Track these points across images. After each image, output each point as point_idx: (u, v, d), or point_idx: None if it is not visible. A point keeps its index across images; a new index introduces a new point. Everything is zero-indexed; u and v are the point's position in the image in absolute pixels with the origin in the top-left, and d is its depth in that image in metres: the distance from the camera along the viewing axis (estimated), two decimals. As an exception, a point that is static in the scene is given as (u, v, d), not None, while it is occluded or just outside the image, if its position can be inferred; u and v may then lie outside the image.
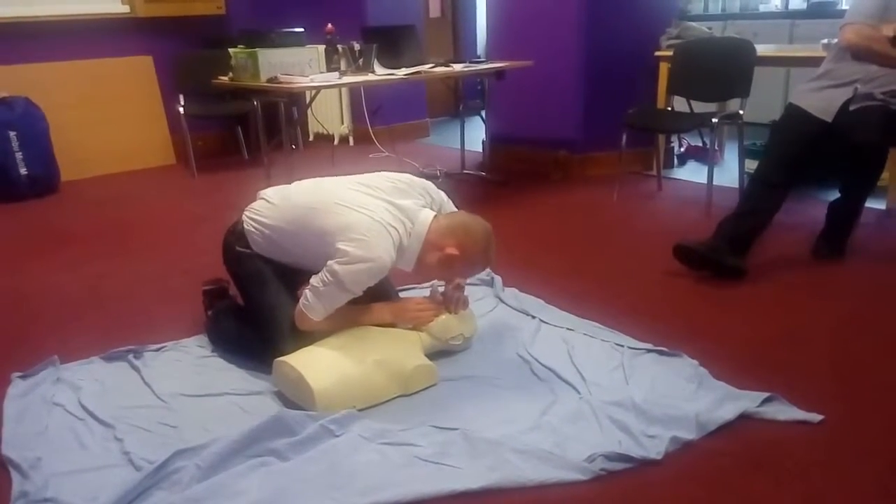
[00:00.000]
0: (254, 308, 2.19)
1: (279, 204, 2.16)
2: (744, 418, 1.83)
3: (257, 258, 2.18)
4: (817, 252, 3.06)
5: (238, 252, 2.20)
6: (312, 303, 1.99)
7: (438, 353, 2.18)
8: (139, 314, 2.63)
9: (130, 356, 2.22)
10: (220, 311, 2.40)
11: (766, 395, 1.89)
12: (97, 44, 4.97)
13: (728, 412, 1.83)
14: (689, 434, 1.76)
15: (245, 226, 2.19)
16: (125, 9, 5.05)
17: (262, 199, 2.22)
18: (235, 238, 2.22)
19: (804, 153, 2.83)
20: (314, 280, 1.99)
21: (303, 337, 2.04)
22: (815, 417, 1.83)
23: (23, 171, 4.34)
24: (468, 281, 2.79)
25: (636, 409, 1.85)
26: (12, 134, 4.30)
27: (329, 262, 1.95)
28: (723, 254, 2.78)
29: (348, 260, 1.92)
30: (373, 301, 2.14)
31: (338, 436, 1.77)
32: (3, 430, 1.84)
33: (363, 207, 1.99)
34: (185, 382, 2.10)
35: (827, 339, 2.31)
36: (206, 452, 1.66)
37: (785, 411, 1.85)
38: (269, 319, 2.12)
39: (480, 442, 1.72)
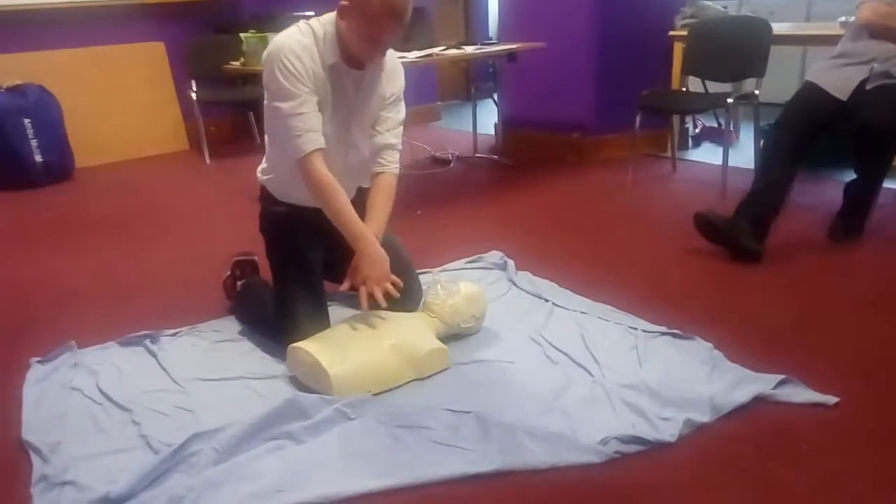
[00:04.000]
0: (274, 292, 2.22)
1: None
2: (758, 401, 1.82)
3: (290, 230, 2.15)
4: (834, 233, 3.03)
5: (269, 213, 2.21)
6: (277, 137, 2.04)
7: (451, 337, 2.18)
8: (154, 299, 2.65)
9: (146, 341, 2.25)
10: (250, 285, 2.44)
11: (780, 377, 1.88)
12: (110, 30, 4.98)
13: (743, 395, 1.82)
14: (703, 417, 1.75)
15: (260, 181, 2.22)
16: (137, -5, 5.06)
17: None
18: (264, 200, 2.24)
19: (816, 129, 2.80)
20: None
21: (314, 332, 2.04)
22: (831, 400, 1.82)
23: (38, 158, 4.37)
24: (480, 265, 2.80)
25: (650, 392, 1.84)
26: (27, 121, 4.33)
27: None
28: (742, 233, 2.76)
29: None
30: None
31: (352, 419, 1.78)
32: (22, 414, 1.87)
33: None
34: (201, 367, 2.11)
35: (842, 322, 2.29)
36: (222, 436, 1.68)
37: (800, 394, 1.85)
38: (284, 311, 2.13)
39: (494, 425, 1.73)
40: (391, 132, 2.16)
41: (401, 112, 2.19)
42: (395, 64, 2.17)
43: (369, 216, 2.09)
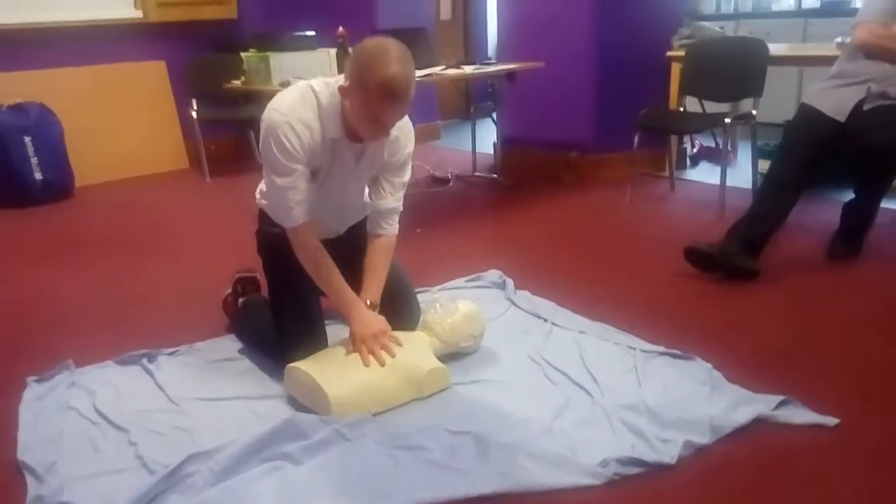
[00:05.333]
0: (271, 314, 2.22)
1: None
2: (758, 422, 1.82)
3: (286, 251, 2.10)
4: (832, 253, 3.03)
5: (266, 234, 2.20)
6: (269, 203, 2.06)
7: (450, 356, 2.17)
8: (153, 318, 2.65)
9: (144, 360, 2.24)
10: (250, 303, 2.44)
11: (780, 398, 1.88)
12: (110, 49, 5.01)
13: (742, 416, 1.82)
14: (702, 438, 1.74)
15: (259, 204, 2.23)
16: (138, 14, 5.08)
17: None
18: (261, 222, 2.24)
19: (817, 154, 2.81)
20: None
21: (310, 352, 2.04)
22: (831, 421, 1.81)
23: (38, 176, 4.37)
24: (479, 284, 2.80)
25: (649, 413, 1.84)
26: (27, 139, 4.33)
27: None
28: (734, 256, 2.76)
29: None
30: (389, 295, 2.13)
31: (350, 440, 1.77)
32: (18, 434, 1.86)
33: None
34: (198, 386, 2.10)
35: (842, 342, 2.29)
36: (219, 456, 1.67)
37: (800, 415, 1.84)
38: (280, 332, 2.13)
39: (492, 446, 1.72)
40: (394, 196, 2.15)
41: (406, 175, 2.18)
42: (403, 131, 2.09)
43: (367, 281, 2.11)
